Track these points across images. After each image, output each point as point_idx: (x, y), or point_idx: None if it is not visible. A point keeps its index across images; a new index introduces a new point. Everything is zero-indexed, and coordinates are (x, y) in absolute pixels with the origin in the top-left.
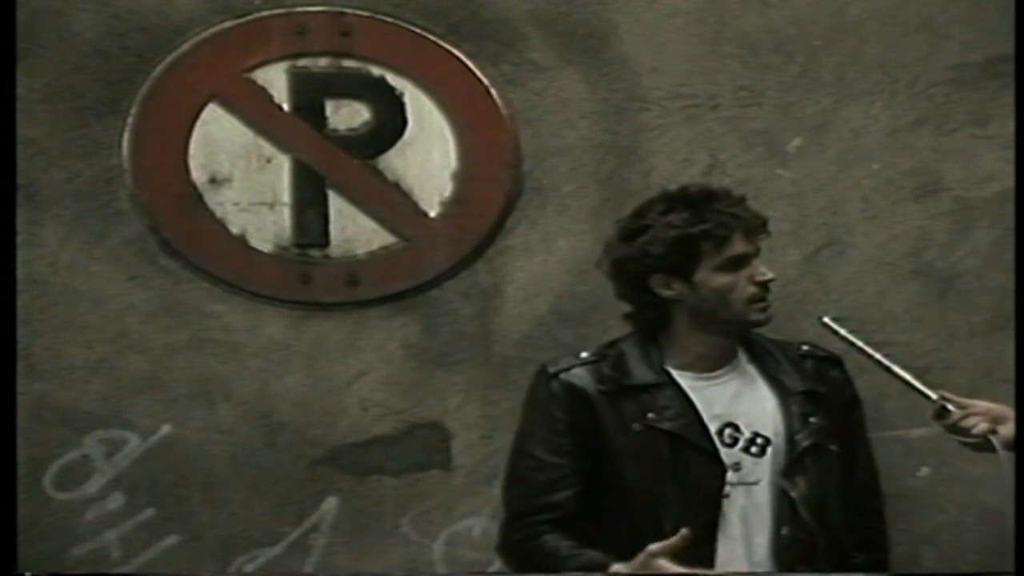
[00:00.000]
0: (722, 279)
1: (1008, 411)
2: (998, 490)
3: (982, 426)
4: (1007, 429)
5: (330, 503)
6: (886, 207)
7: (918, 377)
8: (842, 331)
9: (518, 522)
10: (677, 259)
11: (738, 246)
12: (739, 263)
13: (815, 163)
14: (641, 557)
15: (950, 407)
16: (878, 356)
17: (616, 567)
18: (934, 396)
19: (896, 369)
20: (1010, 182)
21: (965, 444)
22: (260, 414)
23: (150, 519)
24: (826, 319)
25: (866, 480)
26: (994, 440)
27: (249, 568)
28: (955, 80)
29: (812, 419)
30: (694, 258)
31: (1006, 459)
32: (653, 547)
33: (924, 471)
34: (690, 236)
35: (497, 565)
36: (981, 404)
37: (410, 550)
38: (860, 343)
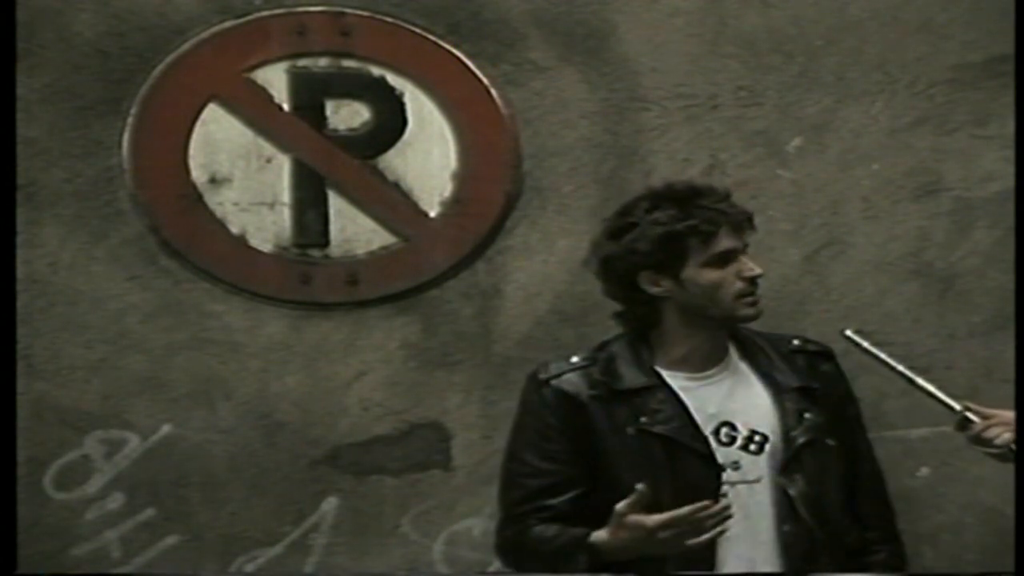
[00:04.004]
0: (710, 275)
1: None
2: (1001, 490)
3: (1005, 436)
4: None
5: (330, 503)
6: (886, 207)
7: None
8: (865, 343)
9: (511, 521)
10: (664, 256)
11: (725, 242)
12: (726, 259)
13: (815, 163)
14: (614, 521)
15: (973, 417)
16: (901, 368)
17: (596, 534)
18: (958, 407)
19: (920, 381)
20: (1010, 182)
21: (989, 455)
22: (260, 414)
23: (150, 519)
24: (848, 332)
25: (871, 472)
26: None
27: (249, 568)
28: (955, 80)
29: (807, 415)
30: (681, 255)
31: None
32: (619, 506)
33: (924, 471)
34: (677, 233)
35: (497, 565)
36: (1005, 414)
37: (410, 550)
38: (884, 355)
